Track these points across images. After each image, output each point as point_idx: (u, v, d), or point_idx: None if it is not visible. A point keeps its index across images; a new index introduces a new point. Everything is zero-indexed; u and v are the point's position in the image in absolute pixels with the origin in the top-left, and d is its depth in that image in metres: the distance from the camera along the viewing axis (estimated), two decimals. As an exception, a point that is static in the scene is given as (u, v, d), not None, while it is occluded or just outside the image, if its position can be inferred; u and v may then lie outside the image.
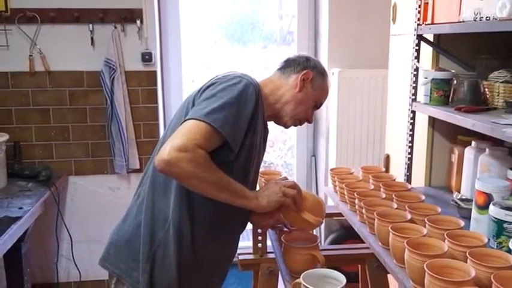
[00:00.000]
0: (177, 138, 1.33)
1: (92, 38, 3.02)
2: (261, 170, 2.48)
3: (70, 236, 3.15)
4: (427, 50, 2.23)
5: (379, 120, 3.11)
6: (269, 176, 2.22)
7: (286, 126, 1.67)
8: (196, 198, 1.45)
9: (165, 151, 1.31)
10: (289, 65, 1.64)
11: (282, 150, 5.01)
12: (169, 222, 1.47)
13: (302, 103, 1.61)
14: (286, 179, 1.65)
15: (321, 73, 1.65)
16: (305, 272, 1.35)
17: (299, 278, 1.34)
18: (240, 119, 1.41)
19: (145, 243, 1.49)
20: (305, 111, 1.64)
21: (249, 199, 1.46)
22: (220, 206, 1.45)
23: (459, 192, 2.09)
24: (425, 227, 1.53)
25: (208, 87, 1.46)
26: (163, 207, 1.49)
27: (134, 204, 1.57)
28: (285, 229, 1.73)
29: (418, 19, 2.15)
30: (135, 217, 1.54)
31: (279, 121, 1.66)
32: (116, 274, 1.55)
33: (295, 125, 1.68)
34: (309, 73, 1.61)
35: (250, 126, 1.45)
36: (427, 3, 2.09)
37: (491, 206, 1.53)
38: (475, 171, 1.96)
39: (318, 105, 1.68)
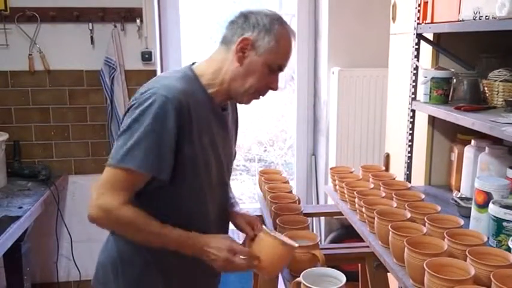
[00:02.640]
0: (101, 196, 1.32)
1: (91, 37, 3.02)
2: (261, 169, 2.48)
3: (70, 236, 3.15)
4: (426, 49, 2.23)
5: (379, 119, 3.11)
6: (269, 175, 2.23)
7: (245, 104, 1.48)
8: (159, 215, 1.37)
9: (92, 206, 1.33)
10: (227, 33, 1.42)
11: (282, 149, 5.02)
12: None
13: (249, 75, 1.39)
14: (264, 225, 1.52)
15: (267, 30, 1.37)
16: (305, 271, 1.35)
17: (299, 277, 1.34)
18: (162, 143, 1.31)
19: (122, 265, 1.45)
20: (257, 82, 1.40)
21: (189, 248, 1.37)
22: (182, 220, 1.38)
23: (459, 191, 2.09)
24: (425, 225, 1.53)
25: (128, 109, 1.36)
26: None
27: None
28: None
29: (418, 18, 2.15)
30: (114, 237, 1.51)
31: (236, 101, 1.52)
32: None
33: (256, 98, 1.47)
34: (245, 40, 1.37)
35: (181, 140, 1.33)
36: (427, 2, 2.09)
37: (490, 205, 1.53)
38: (474, 169, 1.97)
39: (276, 68, 1.42)
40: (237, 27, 1.39)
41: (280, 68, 1.42)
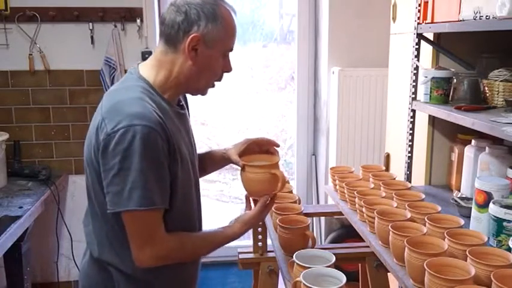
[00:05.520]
0: (144, 246, 1.28)
1: (91, 37, 3.03)
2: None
3: (70, 235, 3.15)
4: (427, 49, 2.23)
5: (379, 119, 3.11)
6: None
7: (202, 95, 1.44)
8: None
9: (144, 260, 1.28)
10: (170, 32, 1.31)
11: (282, 149, 5.01)
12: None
13: (205, 70, 1.35)
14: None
15: (212, 20, 1.30)
16: (305, 271, 1.34)
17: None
18: (159, 174, 1.26)
19: None
20: (214, 73, 1.38)
21: (229, 238, 1.45)
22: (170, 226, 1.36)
23: (459, 190, 2.09)
24: (425, 225, 1.53)
25: (105, 148, 1.23)
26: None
27: None
28: None
29: (418, 18, 2.15)
30: None
31: (193, 95, 1.46)
32: None
33: (212, 87, 1.43)
34: (195, 37, 1.29)
35: (170, 163, 1.30)
36: (427, 2, 2.09)
37: (491, 205, 1.53)
38: (475, 169, 1.97)
39: (228, 52, 1.39)
40: (180, 24, 1.29)
41: (231, 50, 1.39)
